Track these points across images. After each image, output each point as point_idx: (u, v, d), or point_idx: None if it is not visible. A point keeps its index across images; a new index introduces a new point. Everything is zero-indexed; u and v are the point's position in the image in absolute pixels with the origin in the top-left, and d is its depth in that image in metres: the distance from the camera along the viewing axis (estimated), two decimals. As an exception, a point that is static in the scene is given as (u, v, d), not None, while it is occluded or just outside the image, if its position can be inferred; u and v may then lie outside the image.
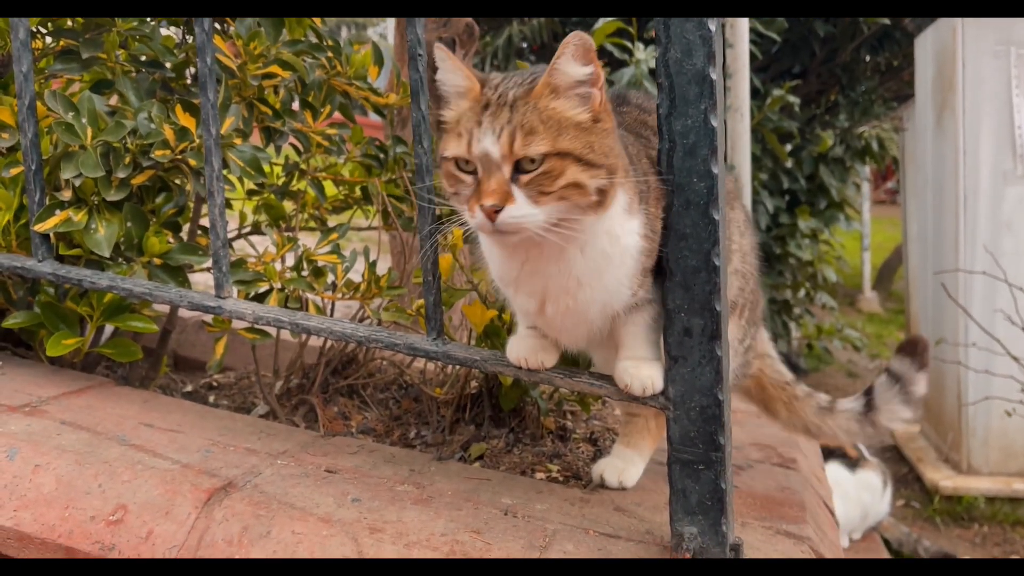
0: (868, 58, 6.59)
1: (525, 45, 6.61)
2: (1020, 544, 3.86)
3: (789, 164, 5.68)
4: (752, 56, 4.81)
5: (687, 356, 1.10)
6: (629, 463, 1.47)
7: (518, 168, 1.02)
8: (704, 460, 1.11)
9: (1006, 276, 3.45)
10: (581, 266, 1.11)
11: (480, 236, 1.16)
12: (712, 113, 1.05)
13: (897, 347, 1.68)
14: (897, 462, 4.78)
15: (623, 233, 1.10)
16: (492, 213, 1.01)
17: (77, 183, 1.55)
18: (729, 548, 1.13)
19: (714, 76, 1.05)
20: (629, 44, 5.39)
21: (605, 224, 1.09)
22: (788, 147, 5.78)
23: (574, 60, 1.04)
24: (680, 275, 1.09)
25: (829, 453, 3.46)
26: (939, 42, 4.51)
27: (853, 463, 3.59)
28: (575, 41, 1.02)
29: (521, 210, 1.02)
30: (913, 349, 1.64)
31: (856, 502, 3.55)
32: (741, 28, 3.84)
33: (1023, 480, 4.06)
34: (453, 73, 1.09)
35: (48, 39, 1.77)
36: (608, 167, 1.05)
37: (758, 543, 1.28)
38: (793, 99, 5.50)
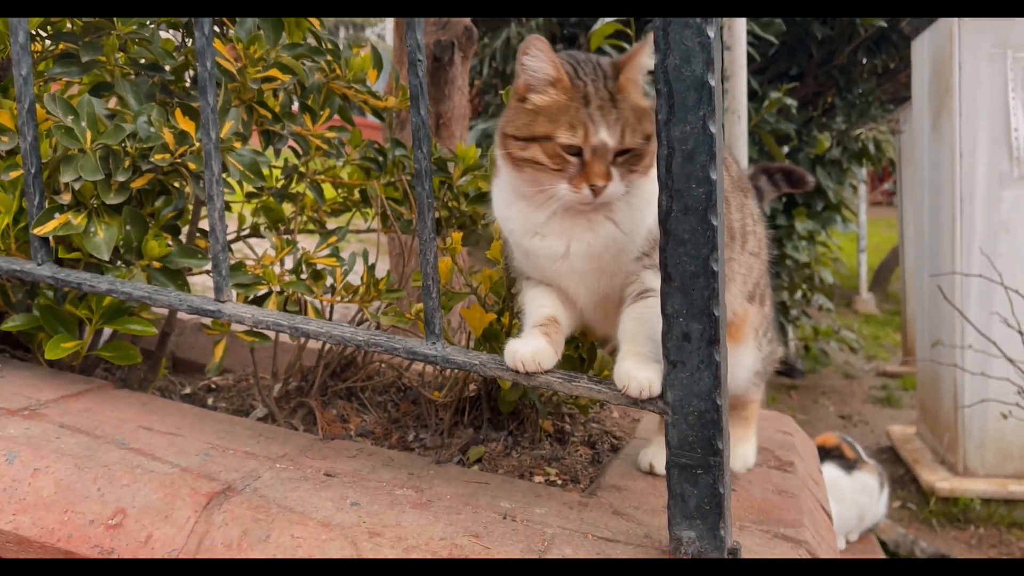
0: (865, 61, 6.62)
1: (523, 47, 6.61)
2: (1016, 546, 3.88)
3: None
4: (750, 58, 4.82)
5: (686, 361, 1.11)
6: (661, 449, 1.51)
7: (615, 152, 1.21)
8: (703, 465, 1.12)
9: (1002, 279, 3.46)
10: (614, 208, 1.27)
11: (507, 195, 1.34)
12: (711, 119, 1.06)
13: None
14: (893, 464, 4.79)
15: (652, 186, 1.19)
16: (600, 190, 1.20)
17: (76, 186, 1.55)
18: (727, 552, 1.13)
19: (712, 83, 1.05)
20: (627, 46, 5.40)
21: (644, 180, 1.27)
22: (785, 149, 5.79)
23: (650, 55, 1.14)
24: (679, 280, 1.10)
25: (826, 454, 3.47)
26: (936, 45, 4.52)
27: (850, 465, 3.60)
28: (651, 40, 1.13)
29: (616, 186, 1.21)
30: None
31: (852, 504, 3.56)
32: (739, 31, 3.85)
33: (1019, 482, 4.07)
34: (545, 63, 1.22)
35: (47, 42, 1.77)
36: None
37: (755, 547, 1.29)
38: (790, 101, 5.52)
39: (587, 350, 1.65)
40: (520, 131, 1.24)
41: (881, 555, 3.59)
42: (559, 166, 1.21)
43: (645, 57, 1.21)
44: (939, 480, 4.24)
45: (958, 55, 4.16)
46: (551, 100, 1.22)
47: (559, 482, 1.57)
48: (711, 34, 1.05)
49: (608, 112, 1.21)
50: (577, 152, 1.21)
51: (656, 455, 1.56)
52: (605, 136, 1.20)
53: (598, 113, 1.20)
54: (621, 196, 1.24)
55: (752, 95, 5.08)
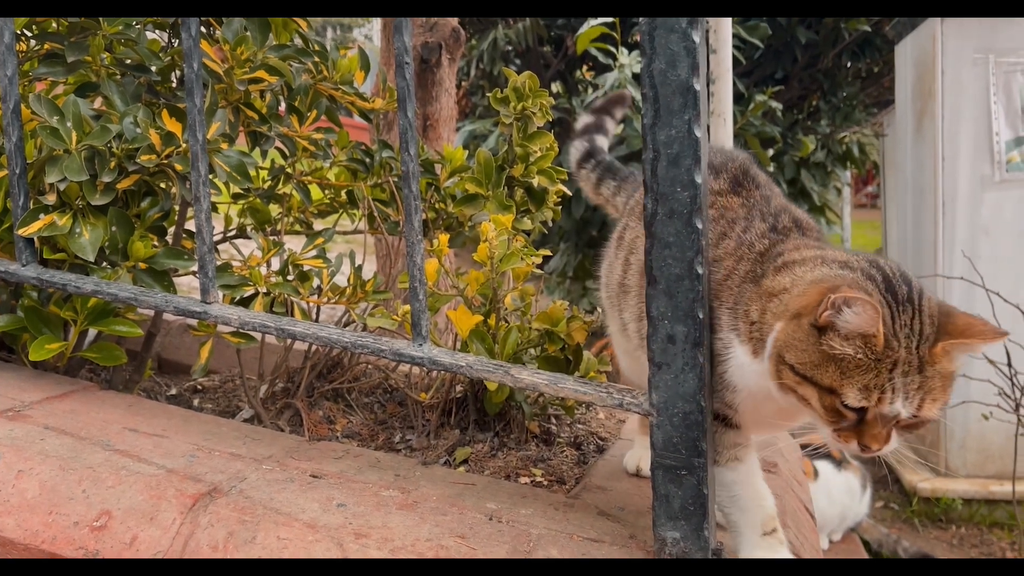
0: (849, 64, 6.67)
1: (510, 48, 6.63)
2: (996, 545, 3.92)
3: (771, 169, 5.73)
4: (735, 61, 4.85)
5: (670, 363, 1.12)
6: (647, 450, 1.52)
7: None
8: (687, 466, 1.13)
9: (983, 281, 3.50)
10: None
11: (756, 381, 1.14)
12: (696, 123, 1.07)
13: None
14: (876, 464, 4.82)
15: None
16: (873, 452, 1.06)
17: (62, 187, 1.55)
18: (711, 552, 1.14)
19: (698, 87, 1.06)
20: (613, 49, 5.43)
21: None
22: (770, 152, 5.84)
23: (982, 342, 1.04)
24: (664, 283, 1.11)
25: (814, 452, 3.49)
26: (919, 49, 4.57)
27: (836, 464, 3.63)
28: (991, 333, 1.03)
29: (891, 446, 1.07)
30: None
31: (836, 502, 3.59)
32: (724, 34, 3.87)
33: (1000, 483, 4.11)
34: (868, 323, 1.01)
35: (33, 42, 1.76)
36: None
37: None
38: (775, 104, 5.56)
39: (573, 351, 1.66)
40: (802, 367, 1.05)
41: (864, 554, 3.62)
42: (832, 418, 1.06)
43: (977, 342, 1.03)
44: (921, 480, 4.29)
45: (941, 59, 4.20)
46: (853, 353, 1.03)
47: (545, 483, 1.58)
48: (696, 39, 1.06)
49: (910, 380, 1.02)
50: (859, 409, 1.04)
51: (642, 457, 1.57)
52: (900, 406, 1.03)
53: (900, 380, 1.02)
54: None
55: (737, 98, 5.11)
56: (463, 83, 6.72)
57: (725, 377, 1.13)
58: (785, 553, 1.21)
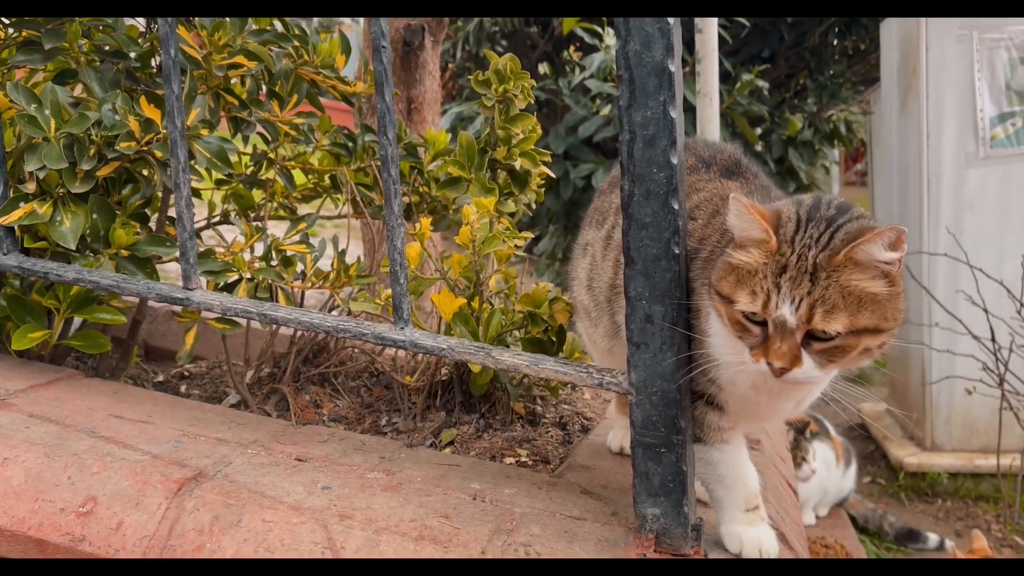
0: (836, 42, 6.67)
1: (496, 30, 6.60)
2: (982, 519, 3.97)
3: (759, 148, 5.74)
4: (721, 40, 4.85)
5: (648, 342, 1.13)
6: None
7: (810, 334, 1.03)
8: (666, 443, 1.14)
9: (967, 258, 3.52)
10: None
11: (727, 359, 1.13)
12: (671, 105, 1.08)
13: None
14: (864, 440, 4.88)
15: None
16: (778, 371, 1.03)
17: (41, 175, 1.54)
18: (691, 528, 1.16)
19: (673, 68, 1.07)
20: (600, 29, 5.40)
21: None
22: (758, 131, 5.84)
23: (884, 248, 1.01)
24: (641, 263, 1.12)
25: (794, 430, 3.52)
26: (903, 27, 4.57)
27: (812, 435, 3.65)
28: (891, 234, 1.00)
29: (807, 372, 1.03)
30: None
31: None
32: (709, 13, 3.86)
33: (984, 456, 4.16)
34: (748, 223, 1.06)
35: (10, 30, 1.75)
36: (896, 328, 1.06)
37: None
38: (762, 83, 5.56)
39: (556, 333, 1.67)
40: (717, 284, 1.09)
41: (851, 529, 3.67)
42: (739, 333, 1.07)
43: (875, 247, 1.01)
44: (908, 455, 4.33)
45: (925, 36, 4.20)
46: (749, 260, 1.06)
47: (530, 463, 1.59)
48: (671, 20, 1.06)
49: (798, 285, 1.02)
50: (762, 322, 1.05)
51: (625, 436, 1.59)
52: (786, 311, 1.02)
53: (787, 285, 1.02)
54: (821, 382, 1.11)
55: (724, 77, 5.10)
56: (449, 65, 6.68)
57: (710, 352, 1.15)
58: (766, 529, 1.23)
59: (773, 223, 1.06)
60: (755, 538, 1.20)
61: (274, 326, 1.87)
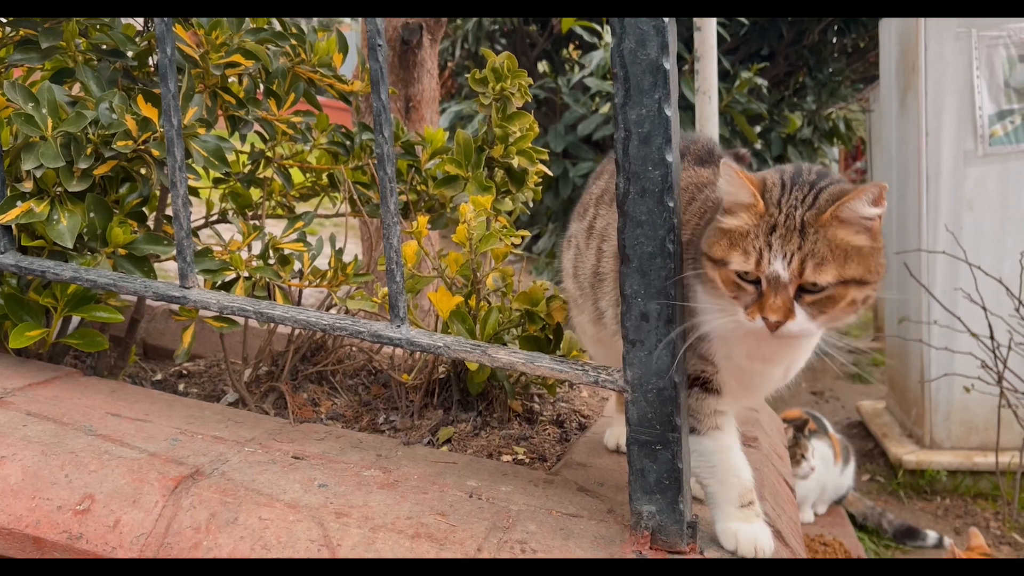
0: (835, 40, 6.66)
1: (495, 28, 6.59)
2: (980, 516, 3.97)
3: (758, 146, 5.74)
4: (720, 38, 4.85)
5: (644, 340, 1.13)
6: None
7: (801, 287, 1.08)
8: (661, 441, 1.15)
9: (966, 256, 3.53)
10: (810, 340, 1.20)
11: (722, 323, 1.16)
12: (666, 103, 1.08)
13: None
14: (863, 438, 4.88)
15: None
16: (774, 325, 1.07)
17: (38, 174, 1.55)
18: (686, 526, 1.16)
19: (668, 66, 1.07)
20: (599, 27, 5.40)
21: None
22: (757, 129, 5.84)
23: (868, 204, 1.07)
24: (637, 261, 1.12)
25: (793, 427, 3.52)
26: (903, 25, 4.57)
27: (810, 433, 3.66)
28: (873, 191, 1.06)
29: (800, 325, 1.09)
30: None
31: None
32: (708, 11, 3.85)
33: (983, 454, 4.16)
34: (738, 188, 1.11)
35: (8, 29, 1.75)
36: (878, 281, 1.11)
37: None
38: (761, 81, 5.56)
39: (553, 331, 1.68)
40: (709, 250, 1.13)
41: (850, 527, 3.67)
42: (734, 293, 1.11)
43: (859, 204, 1.07)
44: (906, 453, 4.33)
45: (924, 34, 4.20)
46: (739, 224, 1.11)
47: (527, 461, 1.59)
48: (665, 19, 1.06)
49: (789, 241, 1.07)
50: (755, 280, 1.09)
51: (621, 434, 1.59)
52: (778, 267, 1.07)
53: (778, 242, 1.08)
54: (813, 335, 1.15)
55: (723, 75, 5.10)
56: (448, 64, 6.68)
57: (701, 325, 1.17)
58: (761, 525, 1.23)
59: (759, 188, 1.12)
60: (750, 535, 1.21)
61: (272, 324, 1.87)
